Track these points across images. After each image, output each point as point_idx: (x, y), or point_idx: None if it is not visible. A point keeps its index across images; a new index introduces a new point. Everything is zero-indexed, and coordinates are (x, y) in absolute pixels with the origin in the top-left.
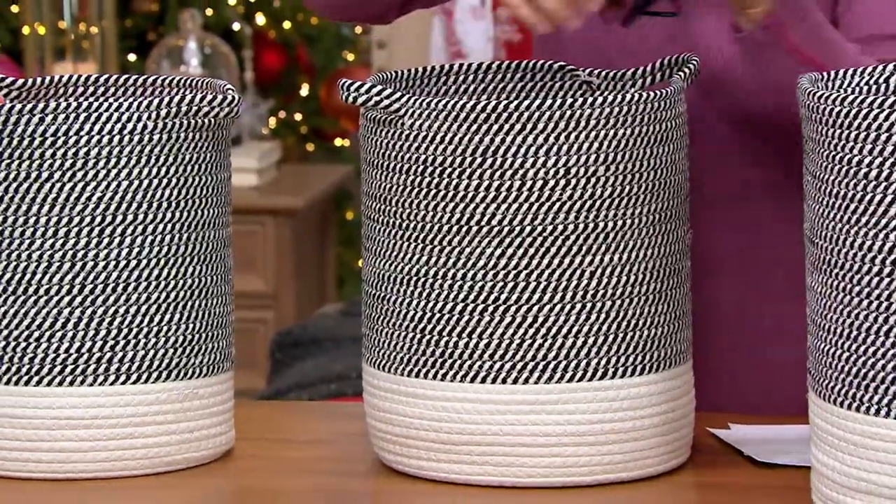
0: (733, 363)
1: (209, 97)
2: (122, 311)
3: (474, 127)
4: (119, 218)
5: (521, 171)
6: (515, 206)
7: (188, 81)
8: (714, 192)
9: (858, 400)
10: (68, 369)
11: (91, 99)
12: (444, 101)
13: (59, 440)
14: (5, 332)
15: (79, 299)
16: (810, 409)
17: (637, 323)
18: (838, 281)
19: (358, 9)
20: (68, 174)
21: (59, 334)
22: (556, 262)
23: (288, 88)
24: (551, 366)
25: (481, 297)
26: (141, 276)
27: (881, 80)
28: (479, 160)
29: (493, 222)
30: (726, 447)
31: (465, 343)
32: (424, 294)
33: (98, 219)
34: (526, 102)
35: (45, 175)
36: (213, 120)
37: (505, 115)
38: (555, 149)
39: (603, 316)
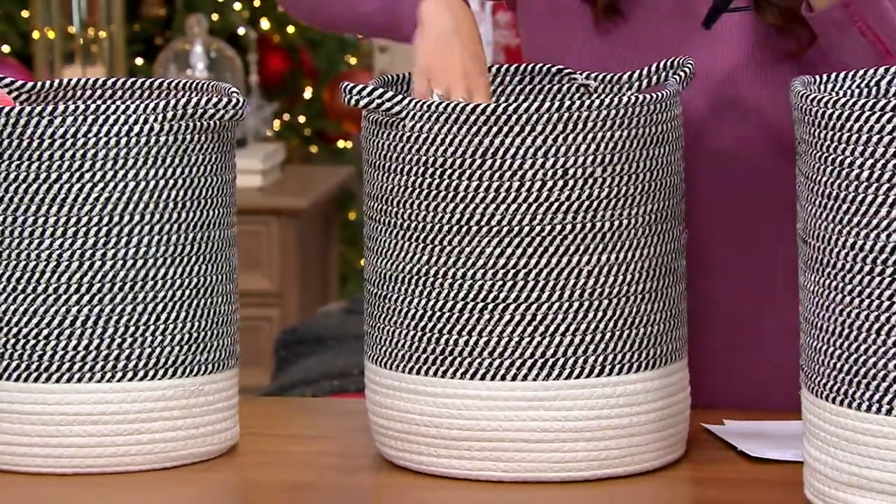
0: (728, 360)
1: (214, 100)
2: (128, 309)
3: (474, 129)
4: (126, 218)
5: (519, 173)
6: (514, 206)
7: (194, 85)
8: (709, 193)
9: (850, 397)
10: (76, 366)
11: (99, 102)
12: (443, 104)
13: (67, 436)
14: (15, 330)
15: (86, 298)
16: (803, 406)
17: (633, 321)
18: (831, 280)
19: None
20: (76, 175)
21: (67, 332)
22: (554, 261)
23: (292, 91)
24: (549, 363)
25: (481, 296)
26: (147, 275)
27: (872, 83)
28: (478, 161)
29: (493, 222)
30: (721, 443)
31: (465, 341)
32: (425, 293)
33: (105, 219)
34: (524, 105)
35: (53, 176)
36: (218, 122)
37: (504, 117)
38: (553, 150)
39: (600, 314)
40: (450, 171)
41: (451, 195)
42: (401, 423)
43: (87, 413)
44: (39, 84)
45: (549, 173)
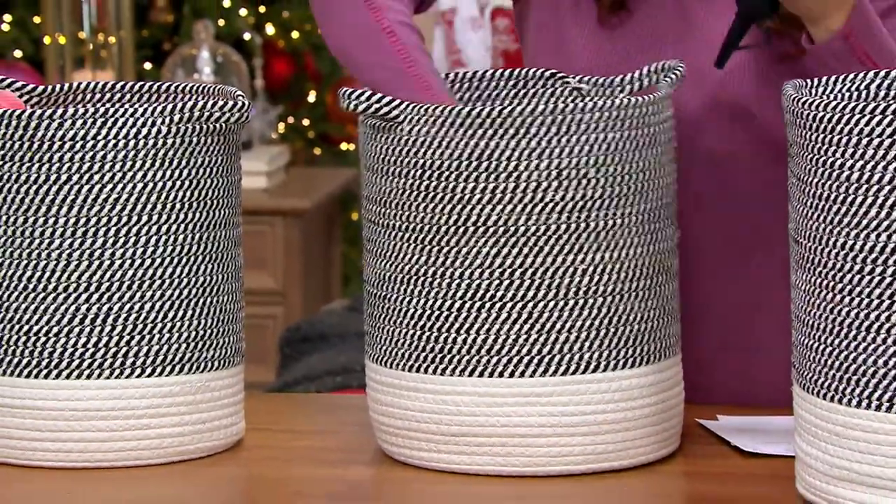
0: (721, 357)
1: (220, 103)
2: (137, 307)
3: (470, 132)
4: (134, 218)
5: (514, 174)
6: (510, 207)
7: (201, 88)
8: (704, 192)
9: (841, 392)
10: (86, 363)
11: (108, 105)
12: (440, 108)
13: (77, 431)
14: (26, 328)
15: (96, 296)
16: (795, 402)
17: (627, 318)
18: (822, 279)
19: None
20: (86, 176)
21: (77, 329)
22: (549, 260)
23: (296, 95)
24: (545, 360)
25: (478, 295)
26: (155, 274)
27: (862, 87)
28: (474, 163)
29: (489, 223)
30: (714, 437)
31: (463, 339)
32: (423, 293)
33: (114, 219)
34: (519, 108)
35: (63, 177)
36: (224, 125)
37: (499, 119)
38: (547, 152)
39: (595, 312)
40: (446, 173)
41: (447, 197)
42: (401, 419)
43: (97, 409)
44: (50, 87)
45: (544, 174)
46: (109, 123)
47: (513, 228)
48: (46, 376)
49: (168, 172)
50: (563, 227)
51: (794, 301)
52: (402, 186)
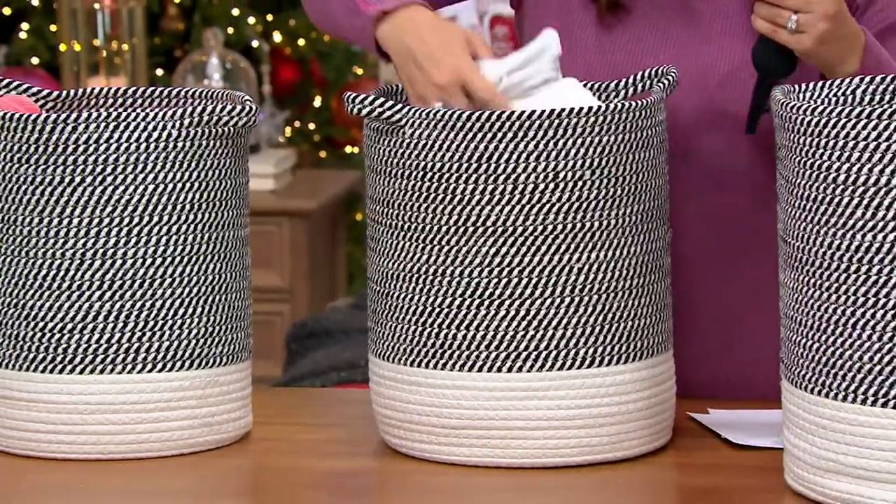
0: (712, 353)
1: (229, 108)
2: (148, 304)
3: (470, 135)
4: (145, 219)
5: (513, 176)
6: (508, 208)
7: (210, 93)
8: (699, 193)
9: (827, 387)
10: (99, 359)
11: (121, 109)
12: (441, 112)
13: (90, 424)
14: (41, 324)
15: (108, 294)
16: (783, 396)
17: (621, 315)
18: (809, 277)
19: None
20: (99, 178)
21: (90, 326)
22: (546, 259)
23: (302, 100)
24: (542, 355)
25: (477, 293)
26: (166, 273)
27: (849, 92)
28: (474, 166)
29: (488, 223)
30: (705, 430)
31: (463, 335)
32: (425, 290)
33: (126, 220)
34: (517, 112)
35: (77, 179)
36: (232, 129)
37: (498, 123)
38: (544, 155)
39: (590, 309)
40: (447, 175)
41: (448, 198)
42: (403, 412)
43: (109, 402)
44: (65, 93)
45: (541, 176)
46: (122, 127)
47: (511, 228)
48: (61, 371)
49: (178, 174)
50: (560, 227)
51: (783, 299)
52: (405, 188)
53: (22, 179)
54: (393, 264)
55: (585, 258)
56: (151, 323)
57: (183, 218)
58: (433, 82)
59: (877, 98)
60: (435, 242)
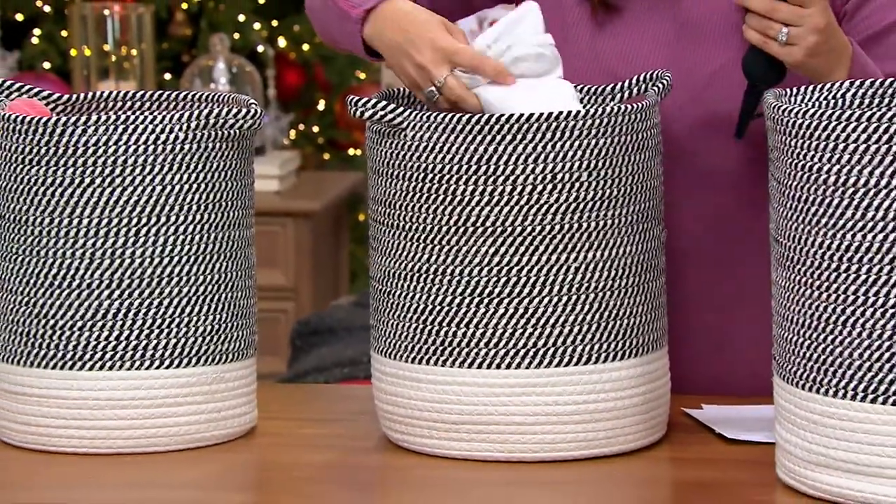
0: (706, 349)
1: (235, 111)
2: (156, 303)
3: (469, 137)
4: (153, 219)
5: (511, 177)
6: (507, 208)
7: (217, 97)
8: (689, 189)
9: (818, 383)
10: (108, 355)
11: (129, 113)
12: (442, 115)
13: (100, 419)
14: (52, 322)
15: (117, 292)
16: (775, 392)
17: (617, 313)
18: (800, 276)
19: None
20: (108, 180)
21: (99, 324)
22: (544, 258)
23: (306, 104)
24: (540, 352)
25: (477, 291)
26: (173, 272)
27: (839, 95)
28: (474, 167)
29: (487, 223)
30: (699, 425)
31: (463, 333)
32: (426, 289)
33: (134, 220)
34: (515, 115)
35: (87, 181)
36: (238, 131)
37: (497, 126)
38: (542, 157)
39: (587, 307)
40: (447, 176)
41: (448, 199)
42: (404, 408)
43: (119, 398)
44: (75, 97)
45: (539, 178)
46: (130, 130)
47: (509, 229)
48: (71, 368)
49: (185, 176)
50: (557, 227)
51: (775, 298)
52: (406, 189)
53: (33, 181)
54: (394, 263)
55: (582, 257)
56: (159, 321)
57: (190, 218)
58: (417, 63)
59: (866, 101)
60: (435, 242)
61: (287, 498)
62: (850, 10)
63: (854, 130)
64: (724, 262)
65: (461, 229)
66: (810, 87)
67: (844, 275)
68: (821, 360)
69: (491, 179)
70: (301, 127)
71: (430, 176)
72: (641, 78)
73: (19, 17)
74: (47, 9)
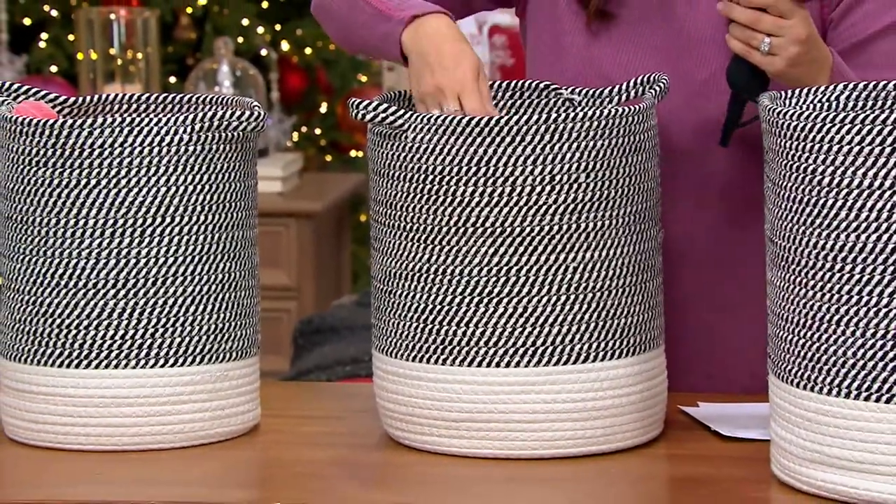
0: (702, 348)
1: (238, 113)
2: (160, 302)
3: (469, 139)
4: (158, 220)
5: (511, 179)
6: (506, 209)
7: (221, 100)
8: (691, 195)
9: (813, 381)
10: (114, 354)
11: (135, 115)
12: (442, 117)
13: (106, 416)
14: (58, 321)
15: (123, 292)
16: (770, 389)
17: (615, 312)
18: (795, 276)
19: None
20: (114, 181)
21: (105, 323)
22: (542, 259)
23: (309, 106)
24: (539, 351)
25: (476, 291)
26: (178, 272)
27: (833, 98)
28: (473, 169)
29: (487, 224)
30: (695, 423)
31: (463, 332)
32: (426, 288)
33: (140, 220)
34: (514, 118)
35: (93, 182)
36: (241, 133)
37: (496, 128)
38: (541, 158)
39: (585, 306)
40: (448, 178)
41: (449, 200)
42: (405, 406)
43: (124, 396)
44: (82, 99)
45: (538, 179)
46: (136, 132)
47: (509, 229)
48: (77, 366)
49: (189, 177)
50: (556, 228)
51: (770, 296)
52: (407, 190)
53: (40, 182)
54: (395, 263)
55: (580, 258)
56: (164, 320)
57: (194, 219)
58: (436, 83)
59: (860, 104)
60: (436, 242)
61: (289, 494)
62: (836, 18)
63: (848, 133)
64: (726, 262)
65: (461, 230)
66: (805, 90)
67: (838, 274)
68: (815, 359)
69: (490, 181)
70: (304, 129)
71: (431, 177)
72: (638, 81)
73: (27, 21)
74: (54, 13)
